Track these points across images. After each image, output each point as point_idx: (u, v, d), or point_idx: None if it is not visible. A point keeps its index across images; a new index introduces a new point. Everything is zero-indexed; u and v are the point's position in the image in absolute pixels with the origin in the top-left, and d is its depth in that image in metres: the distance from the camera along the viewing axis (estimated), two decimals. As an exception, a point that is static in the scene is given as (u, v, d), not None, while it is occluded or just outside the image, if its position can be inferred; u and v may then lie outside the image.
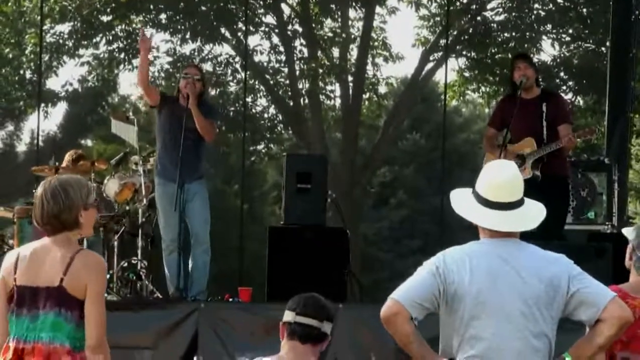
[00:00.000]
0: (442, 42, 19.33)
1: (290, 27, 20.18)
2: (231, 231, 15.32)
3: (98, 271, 4.40)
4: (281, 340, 4.37)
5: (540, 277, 4.07)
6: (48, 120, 22.20)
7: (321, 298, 4.39)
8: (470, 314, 4.07)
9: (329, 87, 20.98)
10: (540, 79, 8.66)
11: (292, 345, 4.30)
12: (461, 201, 4.23)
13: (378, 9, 20.38)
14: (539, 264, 4.12)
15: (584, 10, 19.02)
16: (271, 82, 20.34)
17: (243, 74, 19.35)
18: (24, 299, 4.39)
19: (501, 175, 4.19)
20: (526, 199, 4.22)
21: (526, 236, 4.24)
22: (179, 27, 19.25)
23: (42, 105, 19.19)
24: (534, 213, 4.21)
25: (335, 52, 20.83)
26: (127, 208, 9.02)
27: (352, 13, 20.87)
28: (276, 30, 20.07)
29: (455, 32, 19.39)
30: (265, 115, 21.31)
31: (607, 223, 10.13)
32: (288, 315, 4.34)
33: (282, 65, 20.28)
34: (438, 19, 20.09)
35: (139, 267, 8.68)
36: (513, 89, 8.49)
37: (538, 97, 8.41)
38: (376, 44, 20.94)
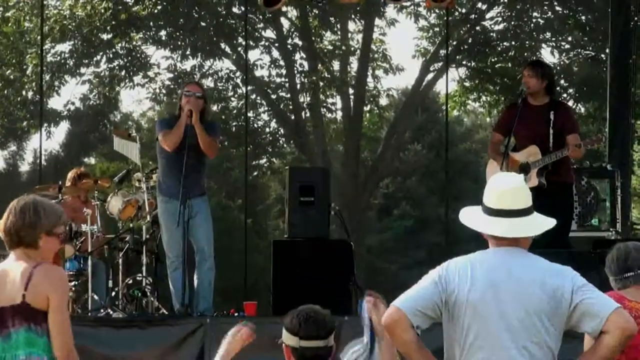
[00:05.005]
0: (442, 52, 19.36)
1: (290, 40, 20.23)
2: (235, 246, 15.29)
3: (58, 282, 4.41)
4: None
5: (543, 288, 4.05)
6: (51, 140, 22.12)
7: (317, 312, 4.31)
8: (471, 323, 4.06)
9: (330, 100, 21.05)
10: (552, 86, 8.57)
11: None
12: (469, 214, 4.23)
13: (377, 21, 20.44)
14: (543, 274, 4.09)
15: (583, 17, 19.05)
16: (272, 96, 20.38)
17: (244, 89, 19.38)
18: None
19: (506, 184, 4.19)
20: (536, 213, 4.19)
21: (531, 244, 4.22)
22: (179, 43, 19.30)
23: (45, 124, 19.21)
24: (540, 221, 4.19)
25: (336, 64, 20.88)
26: (131, 225, 9.03)
27: (351, 25, 20.95)
28: (276, 45, 20.11)
29: (454, 42, 19.41)
30: (267, 130, 21.35)
31: (611, 229, 10.13)
32: (290, 340, 4.30)
33: (283, 79, 20.32)
34: (437, 29, 20.13)
35: (144, 284, 8.68)
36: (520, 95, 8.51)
37: (547, 104, 8.39)
38: (376, 55, 20.98)
